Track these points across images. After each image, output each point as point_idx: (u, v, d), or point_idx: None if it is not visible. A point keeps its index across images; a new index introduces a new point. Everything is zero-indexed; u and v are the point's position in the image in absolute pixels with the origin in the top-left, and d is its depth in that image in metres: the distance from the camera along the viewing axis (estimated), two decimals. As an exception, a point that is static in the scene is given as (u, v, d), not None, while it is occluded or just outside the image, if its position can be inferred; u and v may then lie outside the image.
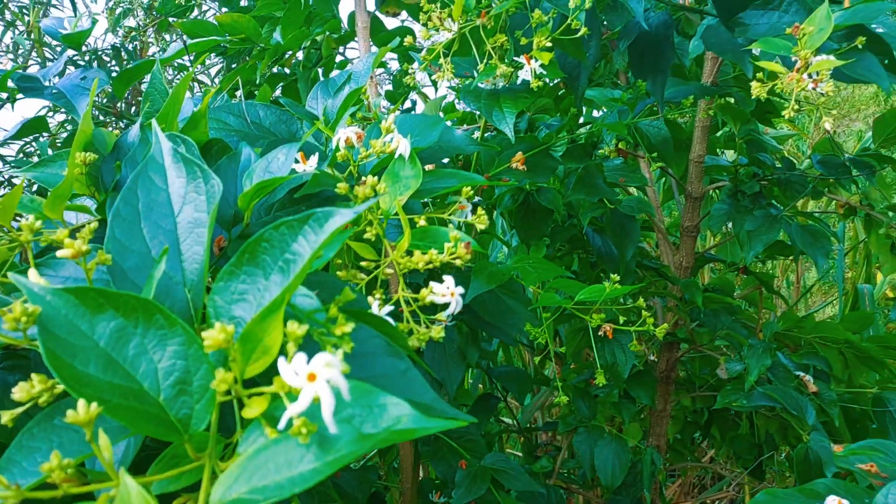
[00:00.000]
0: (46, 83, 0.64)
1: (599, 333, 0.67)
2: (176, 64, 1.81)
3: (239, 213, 0.42)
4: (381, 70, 1.58)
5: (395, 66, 1.63)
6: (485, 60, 0.68)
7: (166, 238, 0.33)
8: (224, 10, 1.29)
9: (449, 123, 0.72)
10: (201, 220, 0.33)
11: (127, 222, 0.34)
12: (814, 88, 0.62)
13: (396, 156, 0.48)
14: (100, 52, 1.77)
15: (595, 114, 1.40)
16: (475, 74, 0.72)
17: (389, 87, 1.43)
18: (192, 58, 1.20)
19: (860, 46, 0.69)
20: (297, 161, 0.48)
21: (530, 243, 0.89)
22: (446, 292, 0.38)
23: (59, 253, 0.31)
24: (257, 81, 1.17)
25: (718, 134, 1.32)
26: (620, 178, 0.94)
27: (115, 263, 0.33)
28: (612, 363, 0.99)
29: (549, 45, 0.65)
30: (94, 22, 1.19)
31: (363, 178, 0.43)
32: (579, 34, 0.63)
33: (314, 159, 0.49)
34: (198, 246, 0.33)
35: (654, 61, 0.83)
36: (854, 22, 0.66)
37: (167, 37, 1.65)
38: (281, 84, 1.26)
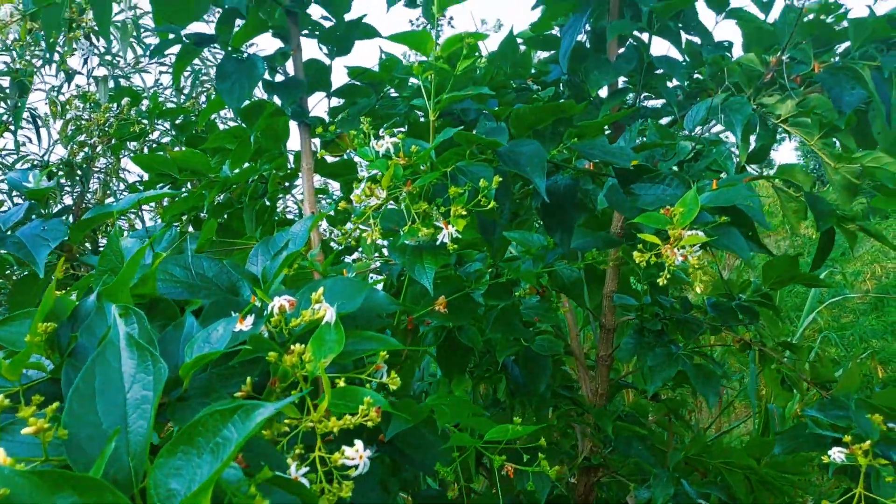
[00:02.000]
0: (7, 231, 0.70)
1: (502, 473, 0.74)
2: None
3: (179, 378, 0.49)
4: (323, 196, 1.68)
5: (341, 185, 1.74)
6: (410, 220, 0.78)
7: (117, 412, 0.40)
8: (180, 142, 1.38)
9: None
10: (147, 397, 0.40)
11: (84, 398, 0.40)
12: (683, 260, 0.73)
13: (323, 322, 0.56)
14: (52, 166, 1.83)
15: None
16: (401, 231, 0.81)
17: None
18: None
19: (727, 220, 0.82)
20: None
21: (452, 377, 0.97)
22: (355, 456, 0.45)
23: (23, 431, 0.37)
24: (203, 212, 1.24)
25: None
26: (535, 316, 1.04)
27: (72, 435, 0.39)
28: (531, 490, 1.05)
29: (465, 213, 0.75)
30: (53, 175, 1.26)
31: (291, 348, 0.51)
32: (488, 207, 0.74)
33: (251, 319, 0.57)
34: (143, 420, 0.40)
35: (561, 218, 0.95)
36: (719, 204, 0.79)
37: (122, 162, 1.72)
38: (227, 212, 1.34)
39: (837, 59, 1.01)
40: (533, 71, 1.52)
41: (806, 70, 0.99)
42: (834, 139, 1.07)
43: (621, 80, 1.34)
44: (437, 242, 0.76)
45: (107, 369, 0.41)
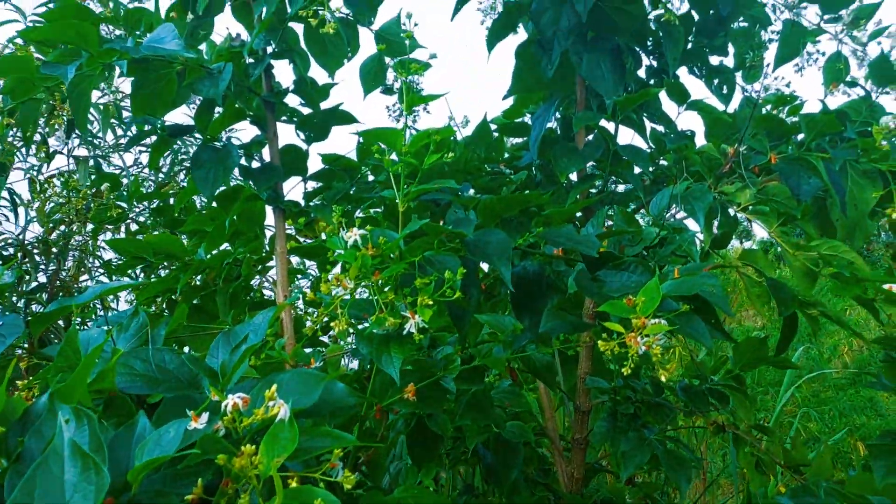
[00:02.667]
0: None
1: (467, 572, 0.72)
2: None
3: (128, 483, 0.48)
4: (301, 276, 1.68)
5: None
6: (377, 309, 0.79)
7: (56, 524, 0.39)
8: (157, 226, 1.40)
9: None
10: (89, 508, 0.39)
11: (22, 509, 0.39)
12: (647, 350, 0.74)
13: (277, 420, 0.55)
14: (27, 244, 1.83)
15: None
16: (368, 320, 0.82)
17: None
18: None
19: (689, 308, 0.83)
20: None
21: (422, 465, 0.95)
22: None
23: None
24: (177, 294, 1.24)
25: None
26: (507, 402, 1.04)
27: (7, 548, 0.38)
28: (504, 581, 1.02)
29: (431, 303, 0.76)
30: (17, 272, 1.27)
31: (241, 450, 0.50)
32: (453, 297, 0.75)
33: (205, 417, 0.56)
34: (83, 532, 0.39)
35: (529, 304, 0.96)
36: (681, 293, 0.80)
37: (100, 240, 1.73)
38: (202, 294, 1.34)
39: (792, 149, 1.05)
40: (507, 155, 1.56)
41: (763, 160, 1.03)
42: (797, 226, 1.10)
43: (591, 165, 1.38)
44: (404, 332, 0.77)
45: (48, 478, 0.40)
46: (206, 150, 1.13)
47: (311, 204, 1.27)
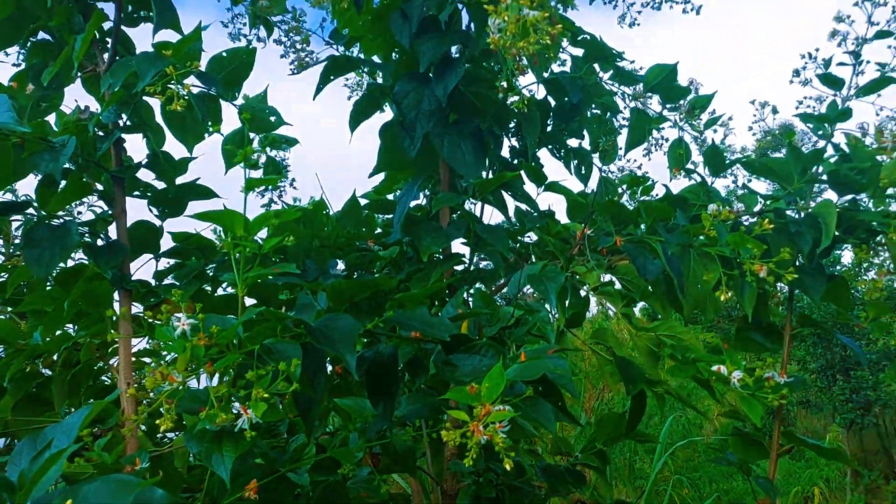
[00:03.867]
0: None
1: None
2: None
3: None
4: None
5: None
6: (209, 403, 0.74)
7: None
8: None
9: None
10: None
11: None
12: (489, 440, 0.73)
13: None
14: None
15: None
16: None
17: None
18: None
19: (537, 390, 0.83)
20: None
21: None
22: None
23: None
24: (5, 383, 1.13)
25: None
26: (363, 492, 0.99)
27: None
28: None
29: (267, 395, 0.72)
30: None
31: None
32: (290, 389, 0.71)
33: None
34: None
35: (384, 388, 0.93)
36: (526, 377, 0.80)
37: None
38: (37, 382, 1.23)
39: (640, 231, 1.10)
40: (379, 231, 1.56)
41: (611, 242, 1.07)
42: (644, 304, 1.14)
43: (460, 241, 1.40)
44: (237, 428, 0.72)
45: None
46: (41, 228, 1.05)
47: (163, 284, 1.20)
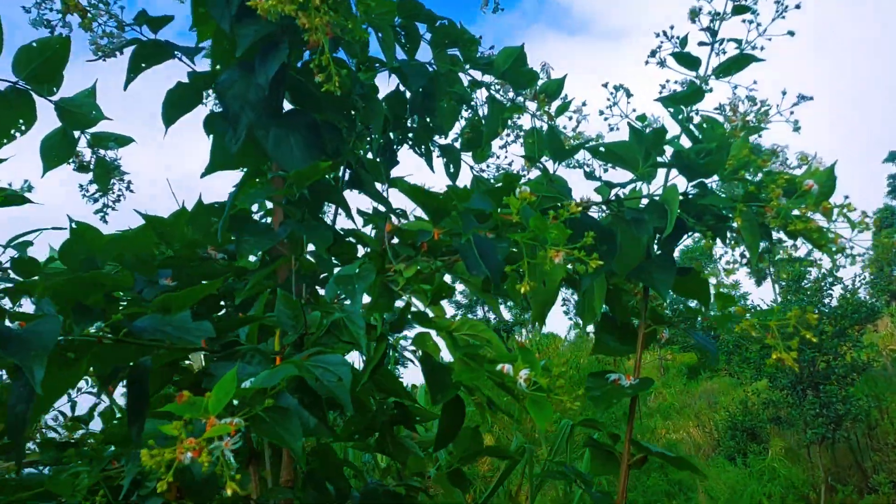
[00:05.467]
0: None
1: None
2: None
3: None
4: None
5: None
6: None
7: None
8: None
9: None
10: None
11: None
12: (194, 457, 0.61)
13: None
14: None
15: None
16: None
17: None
18: None
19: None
20: None
21: None
22: None
23: None
24: None
25: None
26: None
27: None
28: None
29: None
30: None
31: None
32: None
33: None
34: None
35: (135, 404, 0.81)
36: (268, 384, 0.68)
37: None
38: None
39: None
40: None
41: (429, 237, 0.96)
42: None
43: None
44: None
45: None
46: None
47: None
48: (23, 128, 1.21)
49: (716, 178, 1.05)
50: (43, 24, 1.13)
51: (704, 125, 1.11)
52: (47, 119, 1.25)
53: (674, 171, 1.10)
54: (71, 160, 1.29)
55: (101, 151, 1.30)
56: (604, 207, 1.14)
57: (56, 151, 1.26)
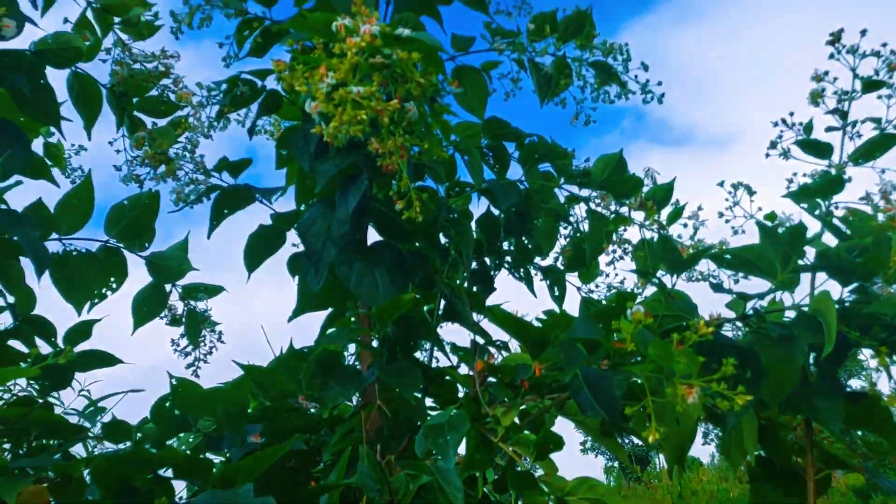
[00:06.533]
0: None
1: None
2: None
3: None
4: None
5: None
6: None
7: None
8: None
9: None
10: None
11: None
12: None
13: None
14: None
15: None
16: None
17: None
18: None
19: None
20: None
21: None
22: None
23: None
24: None
25: None
26: None
27: None
28: None
29: None
30: None
31: None
32: None
33: None
34: None
35: None
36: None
37: None
38: None
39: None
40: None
41: (530, 373, 0.82)
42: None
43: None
44: None
45: None
46: None
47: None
48: (114, 286, 1.20)
49: (877, 280, 0.86)
50: (133, 180, 1.14)
51: (850, 218, 0.93)
52: (138, 274, 1.24)
53: (821, 275, 0.92)
54: (163, 314, 1.26)
55: (192, 303, 1.26)
56: (739, 324, 0.97)
57: (147, 307, 1.23)
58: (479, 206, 1.24)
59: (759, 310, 0.89)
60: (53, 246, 1.13)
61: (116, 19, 1.18)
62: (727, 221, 1.01)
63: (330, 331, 1.02)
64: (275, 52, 1.19)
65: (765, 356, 0.87)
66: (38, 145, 1.43)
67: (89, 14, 1.16)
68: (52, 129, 1.38)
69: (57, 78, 1.16)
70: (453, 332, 2.06)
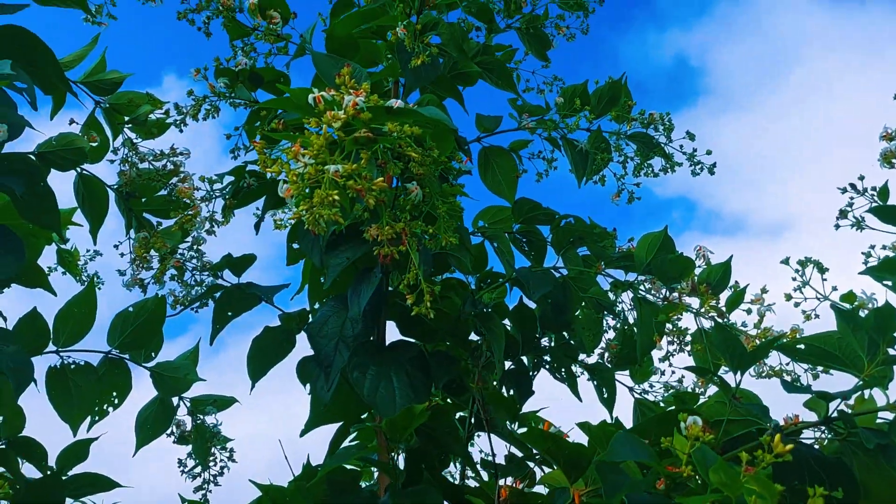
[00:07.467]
0: None
1: None
2: None
3: None
4: None
5: None
6: None
7: None
8: None
9: None
10: None
11: None
12: None
13: None
14: None
15: None
16: None
17: None
18: None
19: None
20: None
21: None
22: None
23: None
24: None
25: None
26: None
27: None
28: None
29: None
30: None
31: None
32: None
33: None
34: None
35: None
36: None
37: None
38: None
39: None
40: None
41: (569, 498, 0.67)
42: None
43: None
44: None
45: None
46: None
47: None
48: (115, 401, 1.11)
49: None
50: (136, 284, 1.06)
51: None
52: (142, 386, 1.14)
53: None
54: (169, 431, 1.15)
55: (201, 417, 1.15)
56: (822, 428, 0.80)
57: (151, 424, 1.13)
58: (511, 298, 1.12)
59: (846, 411, 0.73)
60: (50, 359, 1.06)
61: (126, 118, 1.14)
62: (797, 305, 0.86)
63: (343, 451, 0.89)
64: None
65: (859, 469, 0.70)
66: (51, 251, 1.39)
67: (98, 114, 1.13)
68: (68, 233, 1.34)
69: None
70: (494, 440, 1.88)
